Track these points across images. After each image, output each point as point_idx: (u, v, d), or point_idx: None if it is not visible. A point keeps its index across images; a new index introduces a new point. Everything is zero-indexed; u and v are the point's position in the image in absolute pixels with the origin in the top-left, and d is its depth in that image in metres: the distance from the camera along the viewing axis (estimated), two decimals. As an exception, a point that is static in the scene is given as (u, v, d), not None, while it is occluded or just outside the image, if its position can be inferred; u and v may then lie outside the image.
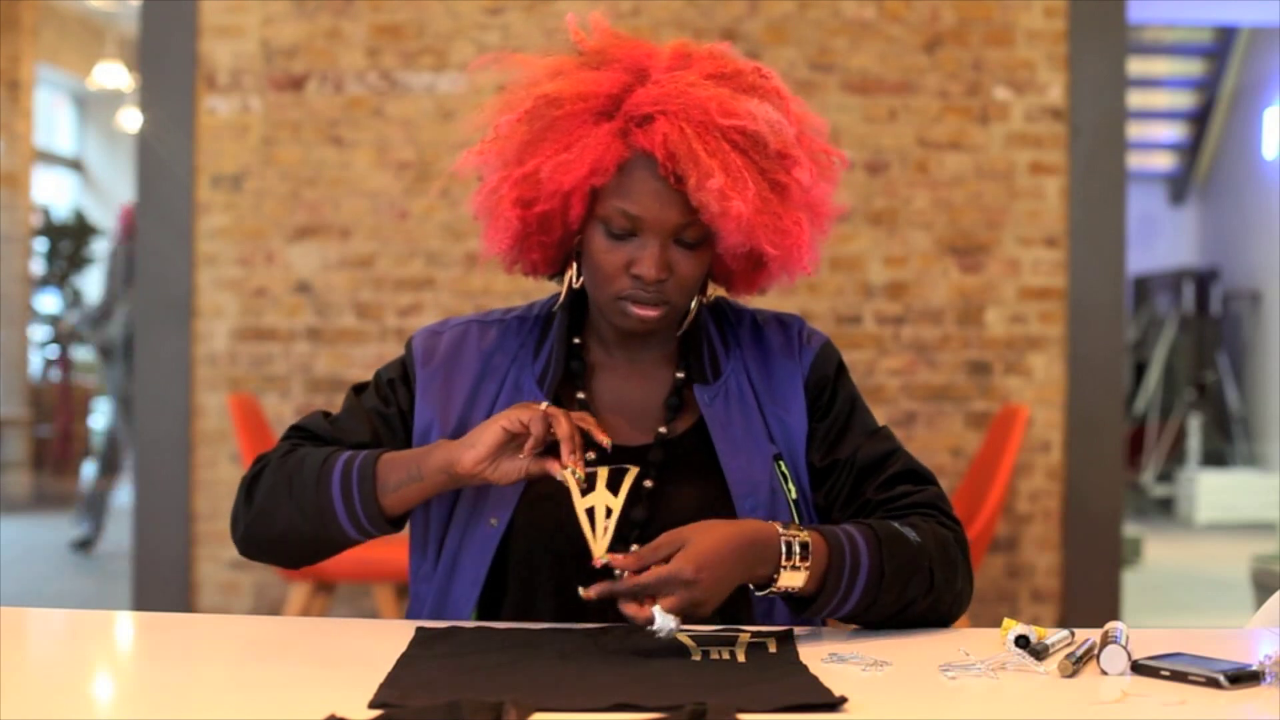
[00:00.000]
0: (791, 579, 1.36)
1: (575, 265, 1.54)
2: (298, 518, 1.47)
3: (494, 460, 1.41)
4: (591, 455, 1.43)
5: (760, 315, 1.61)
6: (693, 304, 1.55)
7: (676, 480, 1.51)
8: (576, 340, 1.57)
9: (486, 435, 1.40)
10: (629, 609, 1.29)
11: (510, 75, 1.51)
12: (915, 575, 1.42)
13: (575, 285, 1.54)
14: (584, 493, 1.39)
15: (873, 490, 1.52)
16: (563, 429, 1.39)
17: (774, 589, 1.37)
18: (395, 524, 1.49)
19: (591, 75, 1.46)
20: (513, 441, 1.41)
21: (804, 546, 1.36)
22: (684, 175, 1.40)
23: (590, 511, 1.38)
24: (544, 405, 1.41)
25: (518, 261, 1.55)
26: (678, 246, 1.45)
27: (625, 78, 1.45)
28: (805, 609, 1.41)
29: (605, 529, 1.37)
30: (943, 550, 1.46)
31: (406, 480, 1.44)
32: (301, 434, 1.56)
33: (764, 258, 1.48)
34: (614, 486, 1.40)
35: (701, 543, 1.32)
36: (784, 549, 1.36)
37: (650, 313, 1.47)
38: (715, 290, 1.60)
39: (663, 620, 1.28)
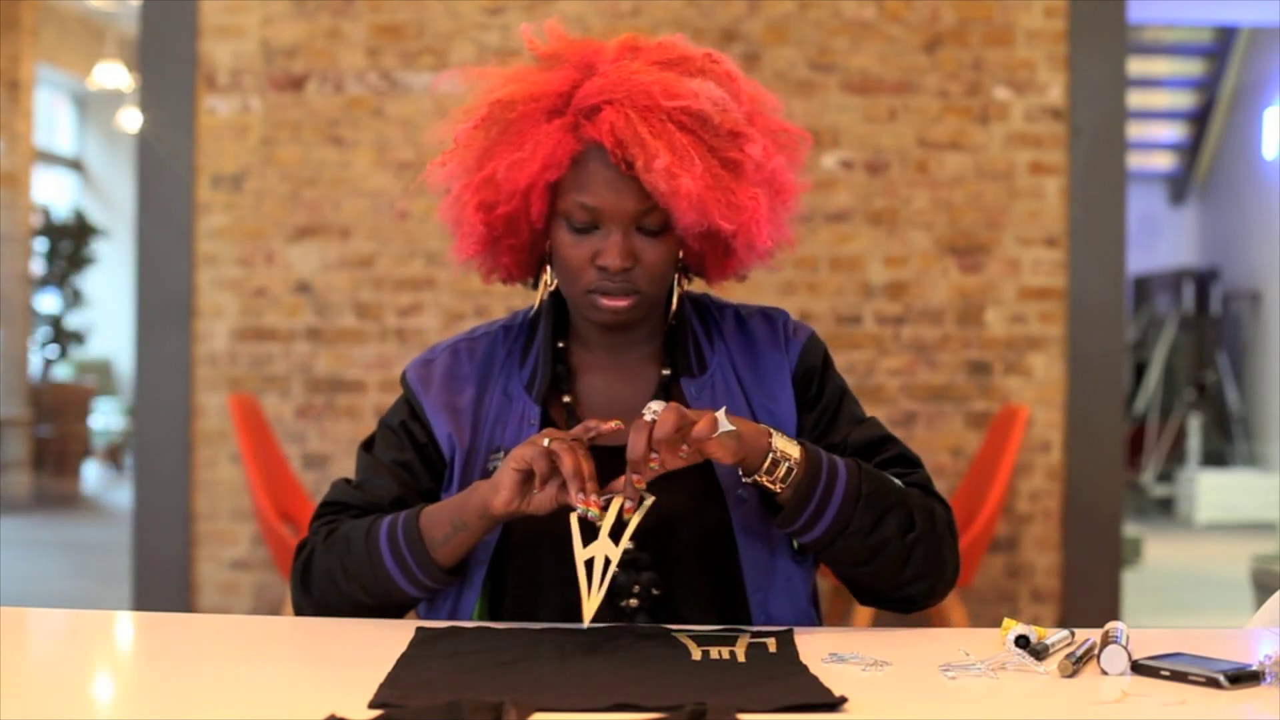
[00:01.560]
0: (769, 484, 1.41)
1: (549, 268, 1.54)
2: (361, 595, 1.48)
3: (523, 497, 1.40)
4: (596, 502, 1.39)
5: (744, 309, 1.62)
6: (673, 300, 1.56)
7: (665, 475, 1.51)
8: (561, 344, 1.58)
9: (505, 478, 1.40)
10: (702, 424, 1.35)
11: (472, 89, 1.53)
12: (894, 510, 1.45)
13: (550, 287, 1.55)
14: (586, 541, 1.36)
15: None
16: (566, 466, 1.36)
17: (751, 481, 1.42)
18: (455, 573, 1.48)
19: (543, 76, 1.48)
20: (531, 478, 1.40)
21: (789, 471, 1.40)
22: (633, 160, 1.41)
23: (590, 563, 1.35)
24: (546, 441, 1.38)
25: (494, 269, 1.57)
26: (640, 235, 1.46)
27: (574, 74, 1.47)
28: (778, 515, 1.44)
29: (601, 584, 1.34)
30: (928, 510, 1.48)
31: (452, 532, 1.44)
32: (333, 509, 1.56)
33: (723, 235, 1.48)
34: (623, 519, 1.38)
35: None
36: (769, 461, 1.40)
37: (620, 303, 1.48)
38: (688, 286, 1.60)
39: (723, 421, 1.35)
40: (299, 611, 1.53)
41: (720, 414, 1.36)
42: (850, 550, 1.44)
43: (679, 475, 1.44)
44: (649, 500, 1.37)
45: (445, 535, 1.44)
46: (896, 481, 1.48)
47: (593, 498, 1.36)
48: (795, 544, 1.50)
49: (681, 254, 1.54)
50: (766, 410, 1.55)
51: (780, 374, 1.56)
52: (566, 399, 1.55)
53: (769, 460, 1.40)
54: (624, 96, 1.43)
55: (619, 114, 1.42)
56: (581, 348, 1.58)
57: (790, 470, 1.40)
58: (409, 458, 1.55)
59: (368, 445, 1.59)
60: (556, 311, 1.58)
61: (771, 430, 1.42)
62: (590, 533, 1.36)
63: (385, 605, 1.49)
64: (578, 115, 1.45)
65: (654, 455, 1.34)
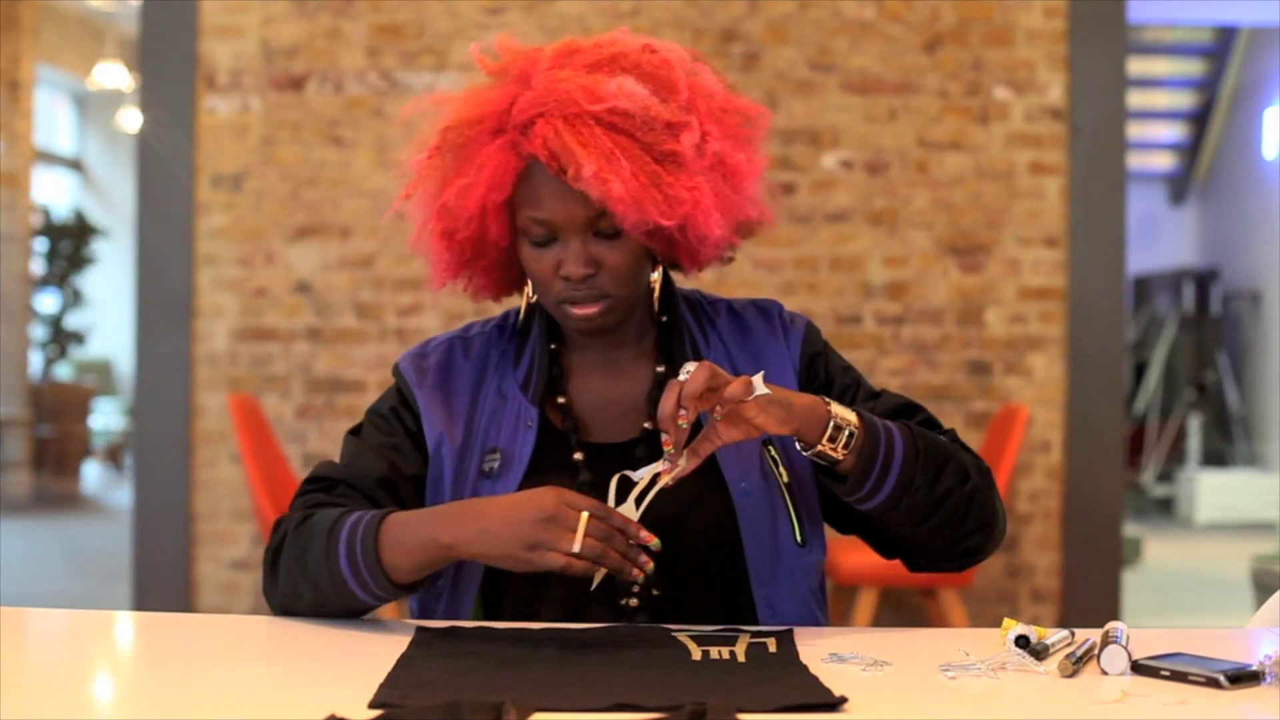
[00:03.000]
0: (831, 452, 1.40)
1: (530, 280, 1.55)
2: (319, 595, 1.43)
3: None
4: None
5: (736, 303, 1.62)
6: (654, 294, 1.56)
7: None
8: (554, 345, 1.58)
9: (525, 568, 1.34)
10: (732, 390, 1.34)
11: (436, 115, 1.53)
12: (949, 463, 1.45)
13: (531, 300, 1.56)
14: (617, 503, 1.38)
15: None
16: (612, 564, 1.31)
17: (813, 452, 1.41)
18: (413, 588, 1.44)
19: (485, 95, 1.49)
20: None
21: (850, 436, 1.40)
22: (565, 169, 1.42)
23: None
24: (571, 562, 1.31)
25: (478, 289, 1.57)
26: (598, 240, 1.46)
27: (513, 89, 1.47)
28: (843, 484, 1.43)
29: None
30: (976, 461, 1.50)
31: (417, 568, 1.39)
32: (318, 485, 1.53)
33: (669, 230, 1.47)
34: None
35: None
36: (831, 428, 1.39)
37: (589, 310, 1.48)
38: (656, 278, 1.58)
39: (759, 385, 1.35)
40: (266, 595, 1.49)
41: (757, 378, 1.36)
42: (915, 507, 1.44)
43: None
44: (683, 463, 1.37)
45: (409, 569, 1.39)
46: (941, 436, 1.49)
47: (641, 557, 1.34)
48: (859, 508, 1.47)
49: (656, 248, 1.52)
50: None
51: (781, 365, 1.56)
52: (561, 400, 1.55)
53: (830, 428, 1.39)
54: (553, 106, 1.43)
55: (549, 126, 1.42)
56: (574, 349, 1.58)
57: (851, 436, 1.40)
58: (399, 441, 1.54)
59: (355, 432, 1.58)
60: (549, 313, 1.57)
61: (827, 398, 1.41)
62: (623, 496, 1.37)
63: (345, 608, 1.44)
64: (515, 131, 1.45)
65: (683, 412, 1.34)
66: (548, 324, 1.57)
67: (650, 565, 1.33)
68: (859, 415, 1.42)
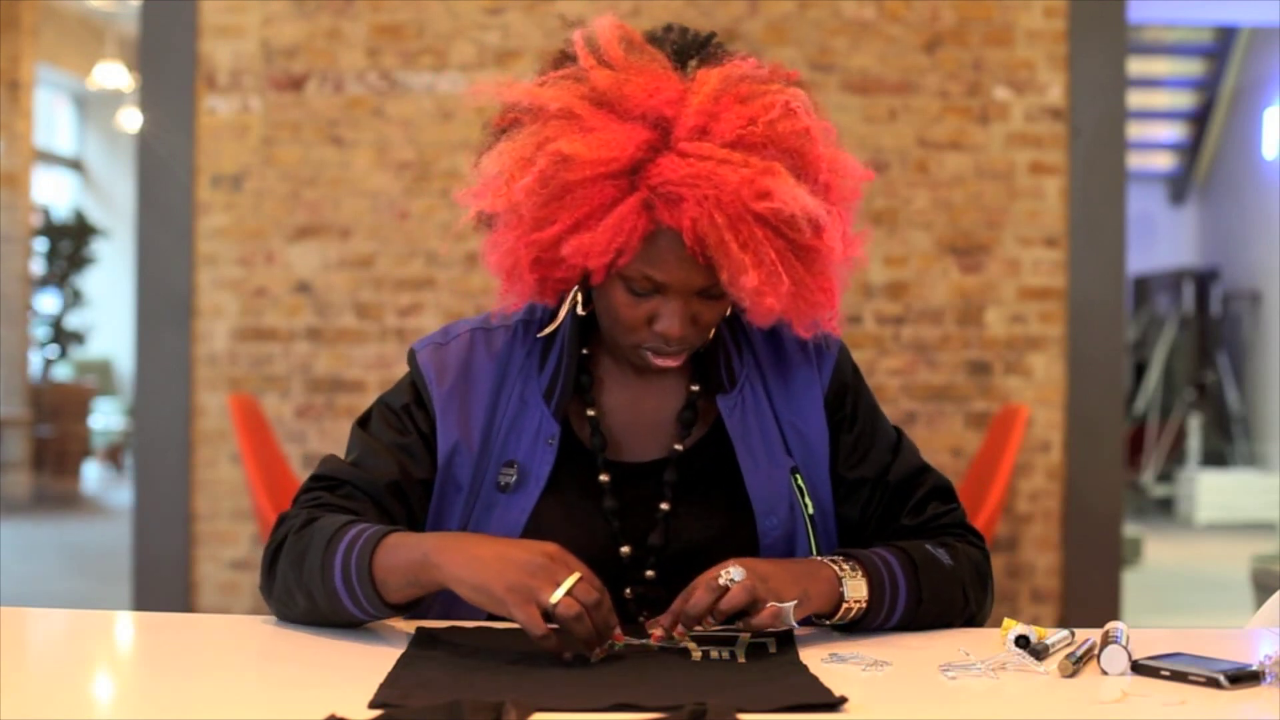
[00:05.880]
0: (840, 620, 1.39)
1: (578, 289, 1.47)
2: (312, 603, 1.39)
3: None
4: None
5: None
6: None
7: (693, 499, 1.48)
8: (585, 351, 1.52)
9: (497, 607, 1.28)
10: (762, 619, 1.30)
11: (508, 97, 1.40)
12: (950, 601, 1.45)
13: (581, 313, 1.49)
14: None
15: (907, 515, 1.51)
16: (582, 631, 1.24)
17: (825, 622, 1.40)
18: (406, 609, 1.40)
19: (608, 132, 1.33)
20: None
21: (859, 609, 1.38)
22: (714, 263, 1.34)
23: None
24: (543, 632, 1.23)
25: (523, 295, 1.47)
26: (699, 298, 1.40)
27: (646, 135, 1.34)
28: (845, 630, 1.43)
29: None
30: (975, 571, 1.49)
31: (405, 585, 1.34)
32: (325, 483, 1.47)
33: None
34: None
35: (762, 566, 1.34)
36: (843, 610, 1.38)
37: (673, 363, 1.44)
38: None
39: (789, 618, 1.31)
40: (263, 593, 1.45)
41: (788, 608, 1.32)
42: (913, 631, 1.44)
43: (706, 498, 1.43)
44: (687, 644, 1.32)
45: (398, 585, 1.34)
46: (945, 559, 1.46)
47: (619, 636, 1.30)
48: None
49: None
50: (795, 430, 1.51)
51: (810, 390, 1.52)
52: (590, 413, 1.50)
53: (842, 609, 1.38)
54: (710, 193, 1.31)
55: (703, 212, 1.31)
56: (607, 357, 1.52)
57: (861, 608, 1.39)
58: (410, 441, 1.48)
59: (363, 423, 1.52)
60: (582, 316, 1.50)
61: (838, 572, 1.38)
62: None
63: (337, 620, 1.40)
64: (652, 194, 1.33)
65: (710, 620, 1.30)
66: (579, 327, 1.50)
67: (601, 655, 1.26)
68: (869, 582, 1.39)
